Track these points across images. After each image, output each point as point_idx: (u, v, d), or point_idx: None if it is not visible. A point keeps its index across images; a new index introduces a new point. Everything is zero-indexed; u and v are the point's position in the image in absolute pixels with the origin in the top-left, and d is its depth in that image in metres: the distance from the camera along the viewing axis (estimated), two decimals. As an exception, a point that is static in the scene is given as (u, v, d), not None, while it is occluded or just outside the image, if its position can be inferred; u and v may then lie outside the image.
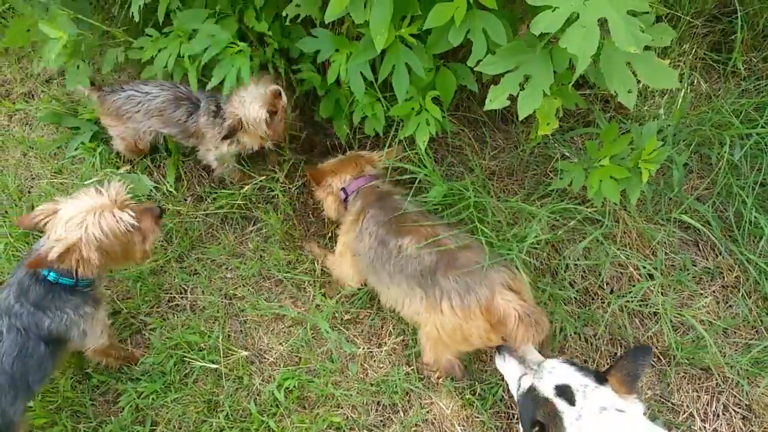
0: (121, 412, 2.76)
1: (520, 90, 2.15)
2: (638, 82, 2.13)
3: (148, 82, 3.19)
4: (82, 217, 2.28)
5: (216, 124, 3.13)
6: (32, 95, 3.88)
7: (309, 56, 3.10)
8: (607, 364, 2.87)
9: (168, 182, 3.37)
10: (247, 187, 3.28)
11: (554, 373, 2.16)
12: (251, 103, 2.98)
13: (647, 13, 2.08)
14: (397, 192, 2.86)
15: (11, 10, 3.71)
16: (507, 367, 2.44)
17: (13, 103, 3.84)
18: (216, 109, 3.12)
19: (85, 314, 2.46)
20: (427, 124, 2.72)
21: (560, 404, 2.04)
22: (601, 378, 2.10)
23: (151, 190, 3.31)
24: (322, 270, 3.12)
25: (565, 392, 2.07)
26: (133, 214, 2.38)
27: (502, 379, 2.81)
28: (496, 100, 2.19)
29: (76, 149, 3.53)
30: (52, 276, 2.34)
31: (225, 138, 3.09)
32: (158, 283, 3.10)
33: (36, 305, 2.34)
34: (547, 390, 2.11)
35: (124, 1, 3.27)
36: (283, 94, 3.05)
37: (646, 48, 2.04)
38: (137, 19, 2.73)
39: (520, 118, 2.13)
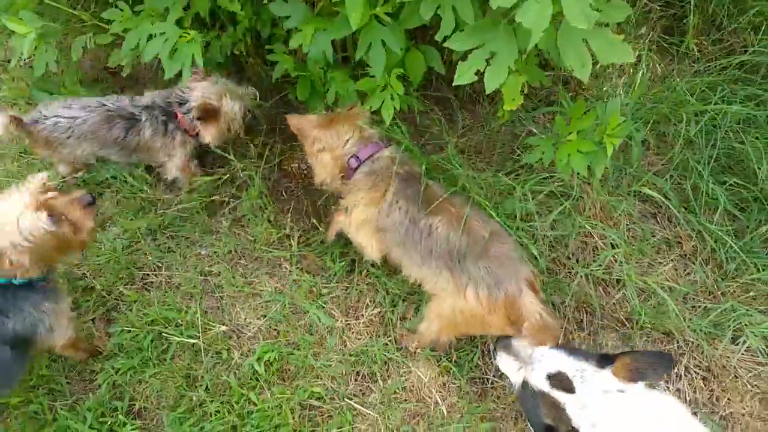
0: (98, 389, 2.74)
1: (487, 66, 2.23)
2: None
3: (71, 105, 3.02)
4: (3, 222, 2.18)
5: (167, 131, 3.05)
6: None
7: (280, 37, 3.13)
8: (575, 330, 3.00)
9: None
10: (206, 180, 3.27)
11: (544, 361, 2.12)
12: (230, 99, 2.99)
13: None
14: (416, 164, 2.81)
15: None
16: (504, 365, 2.41)
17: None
18: (165, 118, 3.04)
19: (47, 310, 2.39)
20: (392, 99, 2.79)
21: (559, 395, 2.01)
22: (603, 361, 2.04)
23: (124, 179, 3.27)
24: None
25: (560, 381, 2.02)
26: (48, 214, 2.22)
27: (477, 346, 2.92)
28: (463, 75, 2.25)
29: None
30: (1, 279, 2.26)
31: (199, 119, 2.99)
32: (132, 260, 3.08)
33: None
34: (540, 381, 2.07)
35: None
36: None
37: (602, 24, 2.15)
38: (110, -1, 2.71)
39: (487, 93, 2.20)
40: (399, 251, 2.68)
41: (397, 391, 2.82)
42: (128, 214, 3.19)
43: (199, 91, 2.98)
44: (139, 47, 2.89)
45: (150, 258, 3.10)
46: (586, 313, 3.04)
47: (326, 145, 2.81)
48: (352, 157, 2.78)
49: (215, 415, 2.68)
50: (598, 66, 3.47)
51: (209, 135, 3.06)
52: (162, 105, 3.05)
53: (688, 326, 2.97)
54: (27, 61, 3.56)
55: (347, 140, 2.79)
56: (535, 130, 3.32)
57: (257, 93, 3.18)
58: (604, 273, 3.06)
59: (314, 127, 2.82)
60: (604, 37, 2.17)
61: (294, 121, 2.85)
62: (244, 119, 3.11)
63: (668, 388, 2.90)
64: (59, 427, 2.61)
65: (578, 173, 2.74)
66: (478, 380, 2.89)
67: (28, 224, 2.18)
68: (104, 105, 3.02)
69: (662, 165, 3.33)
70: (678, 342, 2.97)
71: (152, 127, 3.03)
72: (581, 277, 3.02)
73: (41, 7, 3.05)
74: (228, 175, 3.28)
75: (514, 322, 2.42)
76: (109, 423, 2.66)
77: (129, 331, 2.85)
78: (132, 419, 2.70)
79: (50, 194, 2.31)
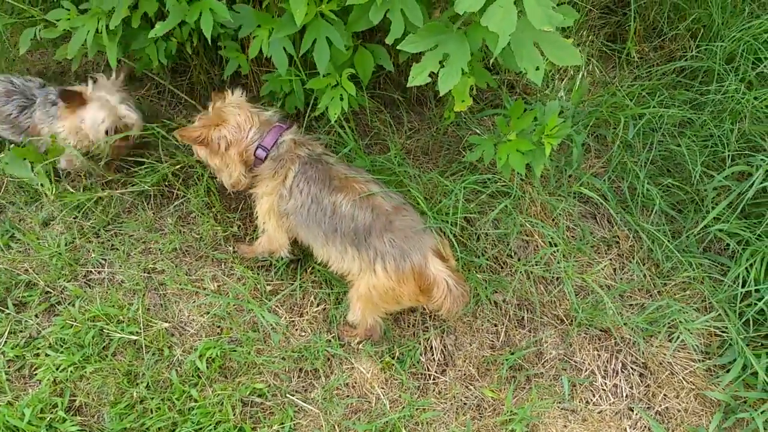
0: (38, 385, 2.72)
1: (440, 68, 2.29)
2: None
3: None
4: None
5: (51, 116, 3.02)
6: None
7: (228, 34, 3.15)
8: (516, 328, 3.07)
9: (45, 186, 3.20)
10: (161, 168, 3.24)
11: None
12: (100, 106, 2.94)
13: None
14: (319, 145, 2.80)
15: None
16: None
17: None
18: (53, 104, 3.02)
19: None
20: (341, 99, 2.84)
21: None
22: None
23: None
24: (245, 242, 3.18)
25: None
26: None
27: (420, 342, 2.97)
28: (417, 77, 2.31)
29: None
30: None
31: (63, 101, 2.91)
32: (74, 257, 3.06)
33: None
34: None
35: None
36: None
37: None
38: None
39: (441, 94, 2.27)
40: (304, 233, 2.73)
41: (339, 386, 2.86)
42: (71, 211, 3.17)
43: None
44: (87, 44, 2.91)
45: (93, 255, 3.09)
46: (527, 311, 3.11)
47: (231, 140, 2.69)
48: (258, 147, 2.70)
49: (156, 411, 2.68)
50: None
51: (65, 124, 2.98)
52: (51, 91, 3.05)
53: (625, 323, 3.06)
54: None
55: (249, 129, 2.70)
56: (479, 132, 3.39)
57: (138, 122, 3.08)
58: (543, 271, 3.14)
59: (209, 128, 2.68)
60: (555, 40, 2.26)
61: (187, 133, 2.68)
62: (107, 134, 2.99)
63: (605, 383, 2.98)
64: (-3, 422, 2.59)
65: (518, 173, 2.82)
66: (420, 375, 2.93)
67: None
68: (10, 81, 3.06)
69: (601, 167, 3.43)
70: (615, 338, 3.05)
71: (42, 110, 3.04)
72: (521, 273, 3.10)
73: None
74: (178, 167, 3.27)
75: (425, 291, 2.52)
76: (48, 419, 2.63)
77: (71, 326, 2.83)
78: (72, 415, 2.68)
79: None
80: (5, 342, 2.83)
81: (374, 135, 3.47)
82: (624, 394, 2.97)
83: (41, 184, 3.10)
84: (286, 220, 2.77)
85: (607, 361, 3.04)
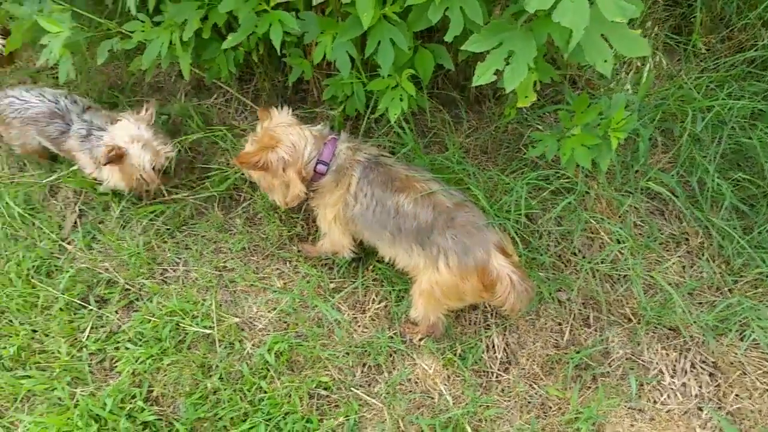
0: (118, 376, 2.88)
1: (506, 65, 2.30)
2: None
3: (31, 90, 3.24)
4: None
5: (86, 149, 3.16)
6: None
7: (293, 42, 3.26)
8: (581, 327, 3.04)
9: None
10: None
11: None
12: (141, 149, 3.03)
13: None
14: (374, 148, 2.87)
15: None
16: None
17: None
18: (86, 134, 3.14)
19: None
20: (401, 100, 2.88)
21: None
22: None
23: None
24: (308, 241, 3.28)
25: None
26: None
27: (481, 340, 2.98)
28: (483, 76, 2.32)
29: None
30: None
31: (107, 162, 3.00)
32: (152, 256, 3.23)
33: None
34: None
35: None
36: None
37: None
38: (134, 12, 2.86)
39: (507, 91, 2.27)
40: (369, 234, 2.79)
41: (402, 382, 2.90)
42: (147, 215, 3.35)
43: (114, 131, 3.08)
44: (161, 56, 3.08)
45: (169, 254, 3.25)
46: (593, 309, 3.07)
47: (288, 160, 2.70)
48: (318, 162, 2.74)
49: (228, 401, 2.79)
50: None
51: (113, 177, 3.14)
52: (90, 123, 3.18)
53: (694, 322, 2.98)
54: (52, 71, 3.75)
55: (304, 147, 2.73)
56: (541, 128, 3.37)
57: (173, 151, 3.18)
58: (610, 269, 3.09)
59: (266, 151, 2.69)
60: (622, 32, 2.24)
61: (246, 159, 2.71)
62: (157, 172, 3.13)
63: (674, 383, 2.91)
64: (81, 411, 2.74)
65: (583, 168, 2.79)
66: (482, 373, 2.94)
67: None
68: (57, 102, 3.21)
69: (668, 162, 3.35)
70: (684, 337, 2.97)
71: (76, 139, 3.17)
72: (587, 272, 3.06)
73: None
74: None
75: (488, 286, 2.51)
76: (128, 409, 2.78)
77: (149, 321, 2.99)
78: (150, 405, 2.82)
79: None
80: (88, 336, 3.01)
81: (433, 135, 3.51)
82: (693, 394, 2.89)
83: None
84: (352, 225, 2.83)
85: (676, 360, 2.97)
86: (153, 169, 3.08)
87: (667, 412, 2.84)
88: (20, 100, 3.21)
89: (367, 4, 2.40)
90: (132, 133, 3.05)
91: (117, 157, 2.98)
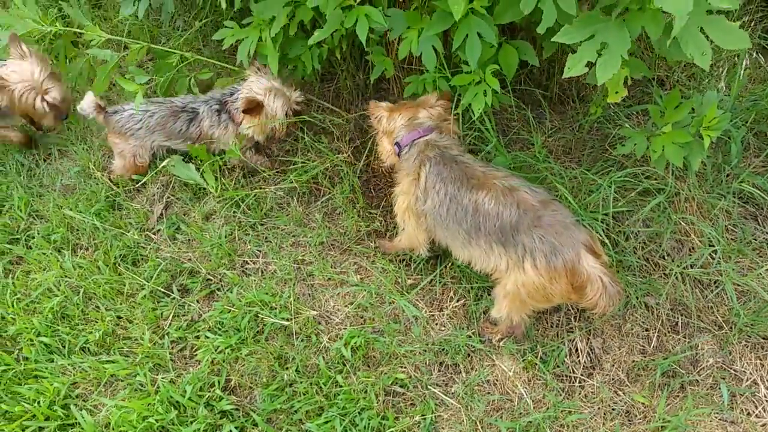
0: (198, 365, 2.92)
1: (598, 57, 2.25)
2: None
3: (146, 101, 3.44)
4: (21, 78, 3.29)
5: (221, 122, 3.40)
6: (113, 83, 4.17)
7: (375, 40, 3.28)
8: (669, 333, 2.91)
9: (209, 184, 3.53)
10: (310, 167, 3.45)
11: None
12: (274, 97, 3.28)
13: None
14: (455, 146, 2.81)
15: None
16: None
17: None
18: (219, 108, 3.37)
19: None
20: (484, 95, 2.85)
21: None
22: None
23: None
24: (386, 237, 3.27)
25: None
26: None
27: (564, 343, 2.89)
28: (574, 67, 2.28)
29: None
30: None
31: (246, 113, 3.27)
32: (233, 248, 3.29)
33: None
34: None
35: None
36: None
37: (715, 12, 2.14)
38: (224, 6, 2.96)
39: (599, 83, 2.23)
40: (442, 233, 2.74)
41: (480, 382, 2.83)
42: (231, 207, 3.41)
43: (248, 85, 3.32)
44: (250, 52, 3.16)
45: (249, 247, 3.30)
46: (681, 315, 2.94)
47: (385, 129, 2.96)
48: (395, 142, 2.91)
49: (304, 394, 2.79)
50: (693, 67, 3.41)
51: (250, 126, 3.35)
52: (217, 98, 3.41)
53: (794, 332, 2.82)
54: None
55: (398, 125, 2.90)
56: (628, 125, 3.28)
57: (302, 96, 3.41)
58: (700, 273, 2.96)
59: (382, 111, 2.97)
60: (721, 24, 2.17)
61: (372, 107, 3.02)
62: (287, 116, 3.36)
63: (770, 397, 2.75)
64: (161, 397, 2.79)
65: (674, 168, 2.69)
66: (564, 377, 2.85)
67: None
68: (172, 102, 3.43)
69: (761, 165, 3.20)
70: (782, 347, 2.81)
71: (209, 118, 3.39)
72: (676, 276, 2.94)
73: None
74: (326, 165, 3.45)
75: (577, 288, 2.41)
76: (206, 397, 2.81)
77: (229, 311, 3.03)
78: (228, 395, 2.84)
79: None
80: (170, 324, 3.07)
81: (514, 133, 3.46)
82: (792, 408, 2.72)
83: (206, 182, 3.41)
84: (424, 220, 2.80)
85: (773, 372, 2.81)
86: (285, 114, 3.34)
87: (762, 425, 2.67)
88: (140, 111, 3.40)
89: (459, -3, 2.40)
90: (264, 85, 3.29)
91: (255, 106, 3.23)
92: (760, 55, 3.43)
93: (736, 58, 3.32)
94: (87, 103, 3.39)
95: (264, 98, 3.26)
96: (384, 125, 2.94)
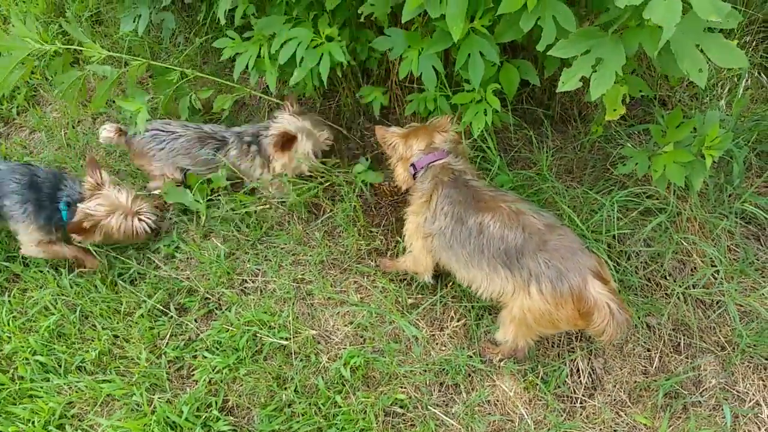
0: (195, 384, 2.89)
1: (593, 72, 2.25)
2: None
3: (172, 122, 3.45)
4: (113, 209, 3.07)
5: (249, 153, 3.39)
6: (113, 101, 4.17)
7: (375, 59, 3.29)
8: (671, 353, 2.88)
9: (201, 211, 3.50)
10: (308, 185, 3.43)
11: None
12: (306, 138, 3.31)
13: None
14: (469, 170, 2.81)
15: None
16: None
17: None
18: (251, 141, 3.38)
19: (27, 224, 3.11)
20: (485, 114, 2.85)
21: None
22: None
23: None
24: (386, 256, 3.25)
25: None
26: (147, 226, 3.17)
27: (565, 363, 2.86)
28: (568, 82, 2.28)
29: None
30: (63, 207, 3.12)
31: (279, 147, 3.28)
32: (232, 266, 3.26)
33: (23, 196, 3.07)
34: None
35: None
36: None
37: (714, 30, 2.14)
38: (223, 22, 2.95)
39: (593, 99, 2.21)
40: (446, 254, 2.71)
41: (481, 403, 2.80)
42: (229, 226, 3.39)
43: (281, 121, 3.32)
44: (248, 68, 3.16)
45: (249, 265, 3.27)
46: (684, 335, 2.92)
47: (401, 156, 2.92)
48: (411, 165, 2.88)
49: (303, 415, 2.75)
50: (696, 87, 3.41)
51: (280, 163, 3.35)
52: (251, 132, 3.39)
53: (796, 352, 2.79)
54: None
55: (415, 152, 2.87)
56: (630, 144, 3.27)
57: (332, 137, 3.44)
58: (702, 293, 2.94)
59: (395, 138, 2.94)
60: (718, 42, 2.16)
61: (380, 132, 2.98)
62: (316, 156, 3.38)
63: (774, 417, 2.72)
64: (158, 417, 2.75)
65: (675, 187, 2.68)
66: (566, 398, 2.82)
67: (128, 224, 3.16)
68: (201, 128, 3.42)
69: (764, 185, 3.19)
70: (785, 369, 2.79)
71: (237, 149, 3.37)
72: (678, 296, 2.92)
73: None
74: (328, 182, 3.43)
75: (584, 315, 2.36)
76: (203, 417, 2.78)
77: (227, 330, 3.00)
78: (225, 415, 2.81)
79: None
80: (167, 343, 3.04)
81: (516, 152, 3.45)
82: (795, 431, 2.69)
83: (199, 208, 3.45)
84: (430, 242, 2.77)
85: (776, 393, 2.78)
86: (315, 155, 3.37)
87: (767, 448, 2.64)
88: (165, 132, 3.40)
89: (458, 17, 2.39)
90: (297, 125, 3.31)
91: (288, 141, 3.26)
92: (762, 75, 3.43)
93: (733, 80, 3.32)
94: (107, 132, 3.40)
95: (297, 134, 3.29)
96: (401, 152, 2.92)
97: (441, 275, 3.11)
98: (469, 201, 2.61)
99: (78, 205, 3.13)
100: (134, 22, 3.57)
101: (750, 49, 3.52)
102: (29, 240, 3.19)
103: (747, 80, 3.33)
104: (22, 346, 3.02)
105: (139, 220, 3.17)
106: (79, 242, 3.21)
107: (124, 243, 3.33)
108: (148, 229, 3.20)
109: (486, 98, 2.87)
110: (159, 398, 2.85)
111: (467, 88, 2.90)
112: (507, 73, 2.90)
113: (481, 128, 2.84)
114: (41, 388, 2.89)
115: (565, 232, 2.49)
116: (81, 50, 3.33)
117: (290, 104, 3.37)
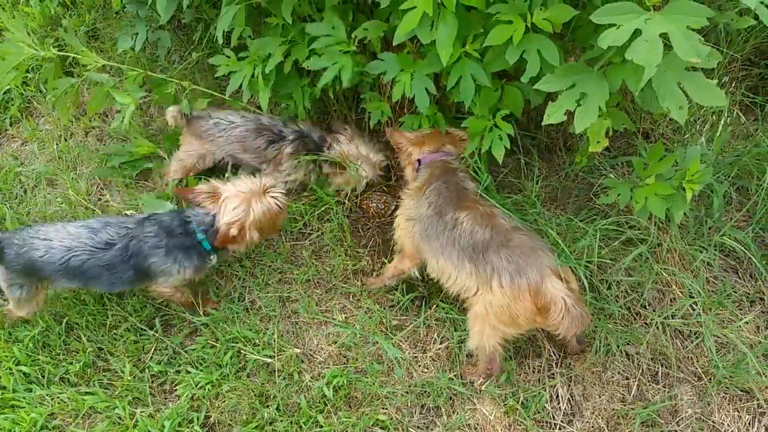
0: (177, 399, 2.90)
1: (577, 106, 2.33)
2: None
3: (233, 113, 3.53)
4: (246, 201, 2.82)
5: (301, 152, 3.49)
6: (107, 115, 4.22)
7: (368, 82, 3.34)
8: (649, 382, 2.93)
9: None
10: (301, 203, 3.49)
11: None
12: (364, 165, 3.49)
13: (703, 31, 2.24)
14: (463, 170, 3.02)
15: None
16: None
17: (90, 120, 4.18)
18: (311, 145, 3.49)
19: (182, 271, 2.90)
20: (500, 139, 2.92)
21: None
22: None
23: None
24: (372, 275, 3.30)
25: None
26: (282, 198, 2.91)
27: (545, 389, 2.90)
28: (553, 115, 2.37)
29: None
30: (200, 237, 2.84)
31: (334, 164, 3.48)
32: (218, 282, 3.28)
33: (167, 247, 2.82)
34: None
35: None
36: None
37: (695, 69, 2.22)
38: (221, 41, 3.01)
39: (576, 132, 2.29)
40: (424, 243, 2.85)
41: (461, 426, 2.82)
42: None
43: (343, 144, 3.48)
44: (242, 88, 3.21)
45: (235, 281, 3.30)
46: (662, 365, 2.97)
47: (413, 159, 3.13)
48: (417, 161, 3.10)
49: (284, 433, 2.77)
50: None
51: (337, 181, 3.58)
52: (314, 137, 3.53)
53: (770, 386, 2.85)
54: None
55: (425, 152, 3.09)
56: (612, 176, 3.35)
57: (386, 160, 3.57)
58: (681, 324, 2.99)
59: (409, 142, 3.15)
60: (698, 81, 2.24)
61: (395, 136, 3.20)
62: (368, 183, 3.58)
63: (748, 449, 2.77)
64: (140, 431, 2.76)
65: (657, 218, 2.74)
66: (545, 423, 2.85)
67: (265, 204, 2.85)
68: (259, 119, 3.49)
69: (743, 219, 3.26)
70: (758, 400, 2.83)
71: (293, 148, 3.46)
72: (657, 326, 2.97)
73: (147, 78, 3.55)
74: (316, 202, 3.52)
75: (542, 310, 2.48)
76: (184, 433, 2.79)
77: (212, 347, 3.01)
78: (207, 431, 2.82)
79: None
80: (151, 357, 3.05)
81: (503, 178, 3.51)
82: (769, 464, 2.74)
83: None
84: (412, 226, 2.91)
85: (749, 424, 2.82)
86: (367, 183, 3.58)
87: (741, 479, 2.69)
88: (226, 121, 3.48)
89: (446, 43, 2.47)
90: (354, 153, 3.47)
91: (343, 167, 3.46)
92: (741, 113, 3.52)
93: (714, 117, 3.41)
94: (173, 113, 3.43)
95: (354, 161, 3.46)
96: (415, 156, 3.12)
97: (425, 297, 3.16)
98: (453, 198, 2.82)
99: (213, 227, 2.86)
100: (131, 39, 3.62)
101: (731, 88, 3.62)
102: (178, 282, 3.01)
103: (728, 117, 3.42)
104: (6, 356, 3.02)
105: (272, 197, 2.94)
106: (233, 252, 3.11)
107: (273, 233, 3.24)
108: (279, 204, 2.93)
109: (498, 124, 2.93)
110: (141, 412, 2.86)
111: (478, 113, 2.96)
112: (510, 95, 2.93)
113: (502, 154, 2.92)
114: (24, 398, 2.89)
115: (528, 232, 2.69)
116: (76, 61, 3.37)
117: (345, 129, 3.51)
